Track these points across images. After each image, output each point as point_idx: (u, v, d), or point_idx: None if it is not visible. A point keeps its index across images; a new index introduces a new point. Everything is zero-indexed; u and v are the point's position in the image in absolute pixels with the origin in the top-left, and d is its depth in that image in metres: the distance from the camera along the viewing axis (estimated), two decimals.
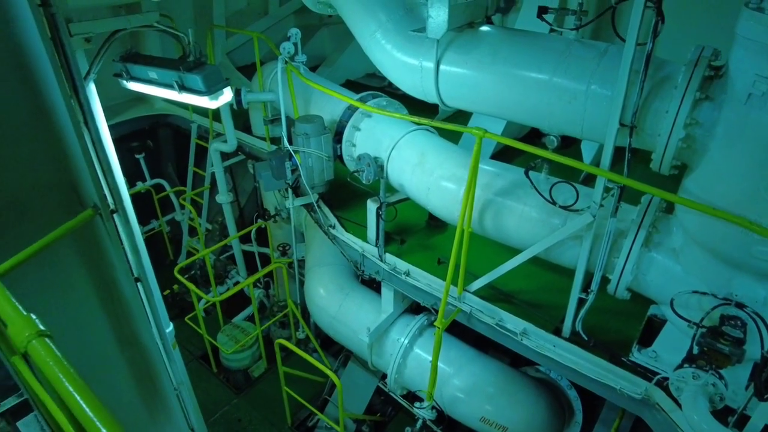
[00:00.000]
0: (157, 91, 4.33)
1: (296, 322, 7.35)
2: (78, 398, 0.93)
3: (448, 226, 5.78)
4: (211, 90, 3.31)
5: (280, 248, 8.19)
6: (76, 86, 2.30)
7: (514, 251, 4.38)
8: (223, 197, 7.89)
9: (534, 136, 6.86)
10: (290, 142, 7.20)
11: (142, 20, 3.15)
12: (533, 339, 4.32)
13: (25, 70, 2.38)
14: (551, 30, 3.96)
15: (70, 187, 2.75)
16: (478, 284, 4.50)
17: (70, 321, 2.99)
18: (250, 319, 8.46)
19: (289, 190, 5.88)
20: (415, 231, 5.74)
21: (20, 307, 1.21)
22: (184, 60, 3.58)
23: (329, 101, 5.80)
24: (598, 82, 3.44)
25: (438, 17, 3.57)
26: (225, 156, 7.71)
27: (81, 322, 3.09)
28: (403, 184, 4.88)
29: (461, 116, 6.85)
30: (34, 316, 1.16)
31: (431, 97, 4.23)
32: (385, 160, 4.97)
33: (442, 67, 4.01)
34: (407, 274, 5.03)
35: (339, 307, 5.97)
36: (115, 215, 2.65)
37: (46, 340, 1.09)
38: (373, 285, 6.43)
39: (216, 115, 7.61)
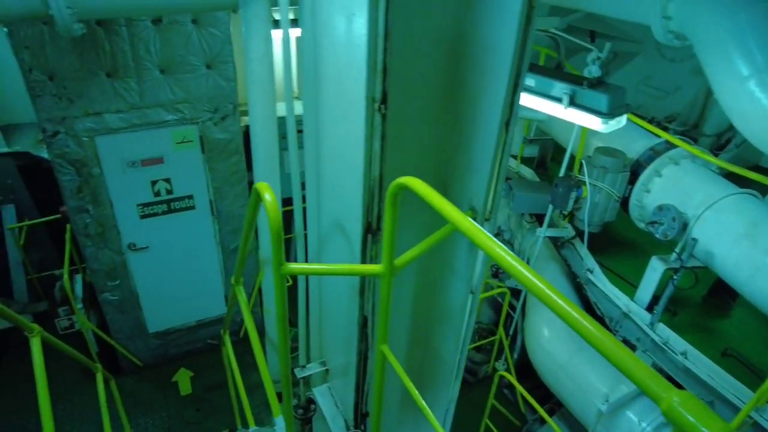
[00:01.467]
0: (525, 99, 4.00)
1: (500, 352, 6.95)
2: None
3: (733, 309, 4.90)
4: (613, 113, 2.98)
5: (493, 269, 7.86)
6: (516, 84, 2.12)
7: None
8: None
9: None
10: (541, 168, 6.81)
11: (544, 23, 2.99)
12: None
13: (466, 62, 2.28)
14: None
15: (443, 185, 2.65)
16: None
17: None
18: None
19: (548, 219, 5.49)
20: (688, 305, 4.96)
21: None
22: (560, 71, 3.34)
23: (622, 137, 5.24)
24: None
25: None
26: None
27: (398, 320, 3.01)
28: (713, 252, 4.15)
29: None
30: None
31: None
32: (693, 219, 4.30)
33: None
34: (684, 355, 4.31)
35: (569, 358, 5.41)
36: (486, 223, 2.48)
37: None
38: None
39: None
